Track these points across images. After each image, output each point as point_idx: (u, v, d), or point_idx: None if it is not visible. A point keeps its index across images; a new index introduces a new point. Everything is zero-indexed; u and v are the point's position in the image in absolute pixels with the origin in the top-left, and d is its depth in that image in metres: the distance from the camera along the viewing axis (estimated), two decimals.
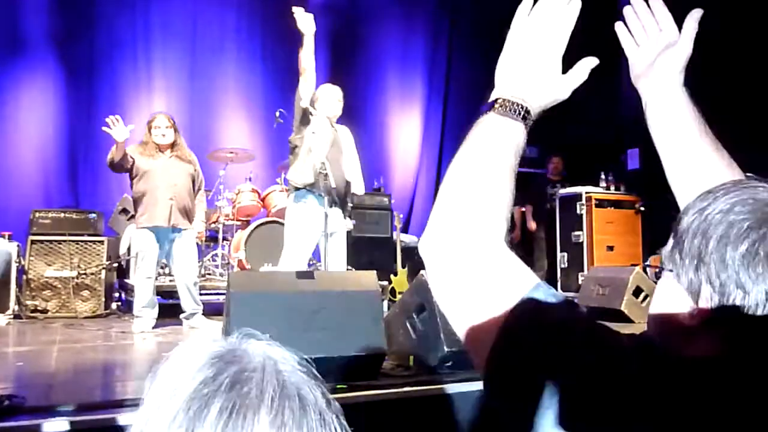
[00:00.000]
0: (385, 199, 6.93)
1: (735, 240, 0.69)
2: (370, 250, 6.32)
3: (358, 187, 4.52)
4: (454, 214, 0.80)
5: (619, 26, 1.09)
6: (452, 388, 2.65)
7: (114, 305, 5.83)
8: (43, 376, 2.97)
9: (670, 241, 0.76)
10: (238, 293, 2.72)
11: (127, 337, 4.42)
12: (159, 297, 5.03)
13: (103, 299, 5.72)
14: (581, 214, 6.98)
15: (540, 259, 7.34)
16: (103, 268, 5.73)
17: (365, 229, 6.35)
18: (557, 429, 0.66)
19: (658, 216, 6.75)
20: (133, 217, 5.25)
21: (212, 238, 6.42)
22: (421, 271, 3.15)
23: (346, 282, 3.05)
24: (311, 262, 5.02)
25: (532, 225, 7.37)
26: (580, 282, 6.46)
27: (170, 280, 5.42)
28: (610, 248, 6.97)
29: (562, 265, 7.17)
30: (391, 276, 5.87)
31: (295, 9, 4.08)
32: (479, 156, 0.82)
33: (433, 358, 2.89)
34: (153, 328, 4.66)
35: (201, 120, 7.66)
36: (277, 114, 4.83)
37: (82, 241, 5.74)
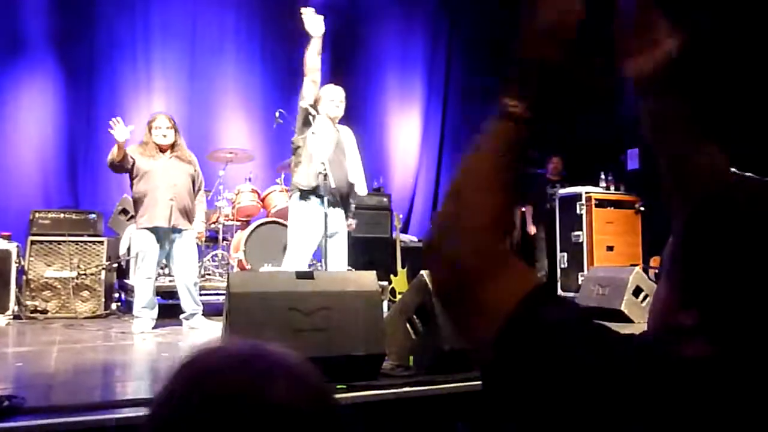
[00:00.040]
0: (385, 199, 6.93)
1: None
2: (370, 251, 6.33)
3: (361, 189, 4.50)
4: (454, 214, 0.80)
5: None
6: (452, 388, 2.65)
7: (114, 306, 5.82)
8: (43, 377, 2.97)
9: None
10: (238, 293, 2.72)
11: (126, 338, 4.42)
12: (159, 297, 5.04)
13: (103, 300, 5.72)
14: (581, 214, 6.99)
15: (540, 259, 7.34)
16: (103, 268, 5.73)
17: (365, 230, 6.35)
18: (557, 429, 0.66)
19: (658, 216, 6.74)
20: (133, 217, 5.25)
21: (212, 239, 6.42)
22: (421, 271, 3.15)
23: (346, 282, 3.04)
24: (311, 263, 5.01)
25: (532, 229, 7.35)
26: (580, 282, 6.47)
27: (170, 281, 5.42)
28: (610, 248, 6.97)
29: (562, 265, 7.18)
30: (391, 276, 5.88)
31: (304, 10, 4.07)
32: (474, 156, 0.83)
33: (432, 358, 2.89)
34: (153, 328, 4.66)
35: (200, 120, 7.66)
36: (277, 114, 4.84)
37: (81, 242, 5.74)
